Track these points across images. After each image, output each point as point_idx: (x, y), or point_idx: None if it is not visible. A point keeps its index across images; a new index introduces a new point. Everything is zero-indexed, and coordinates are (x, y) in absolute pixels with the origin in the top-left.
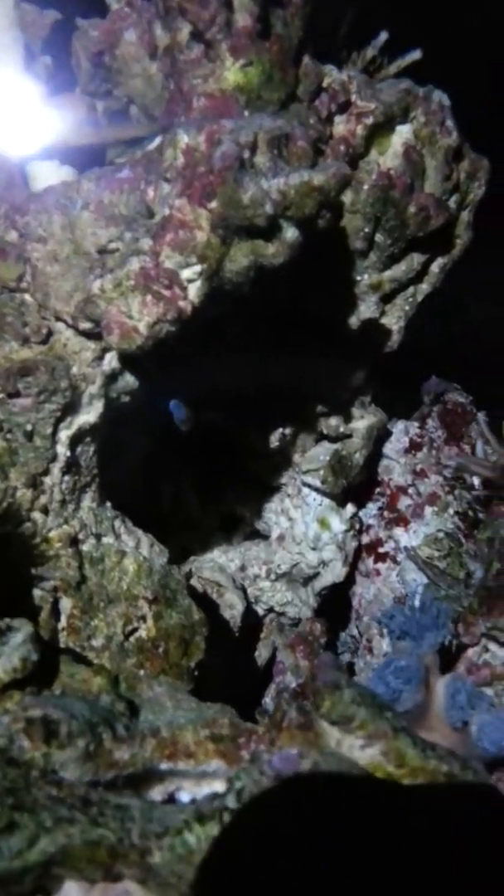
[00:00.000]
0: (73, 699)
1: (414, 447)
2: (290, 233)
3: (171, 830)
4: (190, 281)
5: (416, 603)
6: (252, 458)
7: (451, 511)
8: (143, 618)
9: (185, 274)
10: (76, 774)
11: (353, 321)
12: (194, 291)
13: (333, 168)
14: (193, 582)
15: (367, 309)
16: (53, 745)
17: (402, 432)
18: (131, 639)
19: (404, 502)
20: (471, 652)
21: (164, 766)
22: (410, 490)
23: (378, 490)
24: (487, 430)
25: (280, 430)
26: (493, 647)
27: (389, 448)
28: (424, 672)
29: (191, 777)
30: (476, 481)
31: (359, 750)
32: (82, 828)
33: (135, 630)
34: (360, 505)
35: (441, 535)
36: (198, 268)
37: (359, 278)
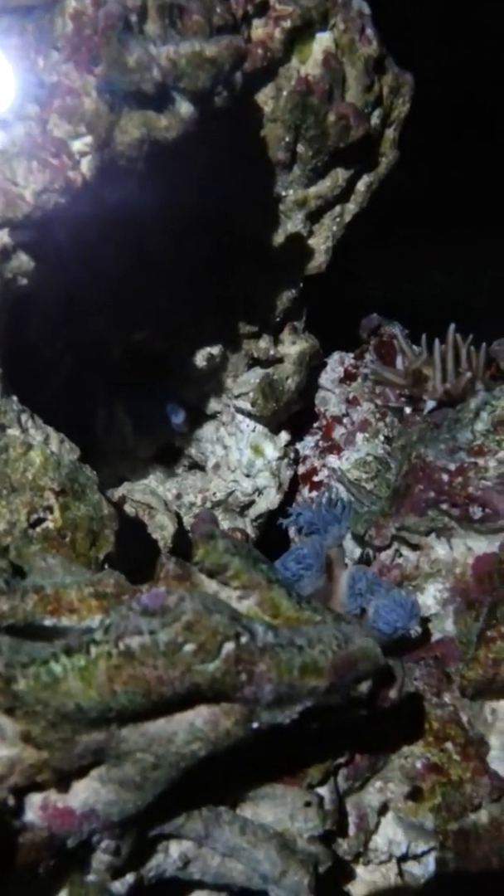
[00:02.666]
0: None
1: (349, 377)
2: (185, 107)
3: (38, 661)
4: (82, 154)
5: (323, 500)
6: (184, 384)
7: (381, 437)
8: (50, 508)
9: (76, 146)
10: None
11: (279, 238)
12: (86, 164)
13: (227, 40)
14: (126, 507)
15: (293, 226)
16: None
17: (337, 363)
18: (37, 528)
19: (339, 431)
20: (383, 556)
21: (47, 621)
22: (345, 419)
23: (316, 424)
24: (404, 341)
25: (208, 349)
26: (405, 550)
27: (325, 378)
28: (326, 561)
29: (76, 635)
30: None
31: (235, 602)
32: None
33: (41, 520)
34: (298, 437)
35: (370, 458)
36: (88, 139)
37: (284, 193)
